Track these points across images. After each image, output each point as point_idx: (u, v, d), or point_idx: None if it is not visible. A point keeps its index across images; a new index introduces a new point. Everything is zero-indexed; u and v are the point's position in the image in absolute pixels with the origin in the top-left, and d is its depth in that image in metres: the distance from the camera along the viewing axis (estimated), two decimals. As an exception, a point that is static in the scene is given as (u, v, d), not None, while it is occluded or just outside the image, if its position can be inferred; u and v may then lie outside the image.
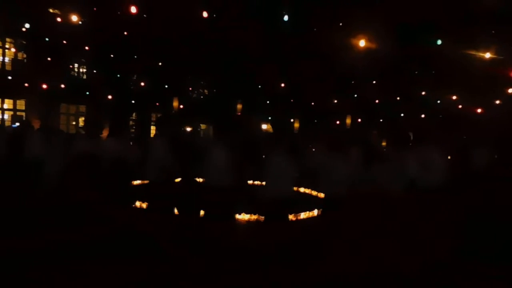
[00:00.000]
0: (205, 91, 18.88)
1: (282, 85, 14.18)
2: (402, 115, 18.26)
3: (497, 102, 15.12)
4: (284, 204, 6.85)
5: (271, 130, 19.20)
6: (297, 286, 3.66)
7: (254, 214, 6.11)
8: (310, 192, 9.14)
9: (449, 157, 12.85)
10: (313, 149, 13.32)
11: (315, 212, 6.76)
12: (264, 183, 9.69)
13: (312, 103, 16.79)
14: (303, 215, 6.50)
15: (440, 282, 3.88)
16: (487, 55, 12.05)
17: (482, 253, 4.61)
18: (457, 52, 12.50)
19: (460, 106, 15.84)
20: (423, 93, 15.90)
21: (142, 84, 16.57)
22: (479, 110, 15.55)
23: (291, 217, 6.32)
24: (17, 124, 16.39)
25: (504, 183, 9.14)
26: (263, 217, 6.09)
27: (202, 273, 3.88)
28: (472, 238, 5.19)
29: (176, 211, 6.29)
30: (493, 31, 13.29)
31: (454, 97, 15.58)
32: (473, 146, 12.87)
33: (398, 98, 16.54)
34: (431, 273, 4.07)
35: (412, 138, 16.72)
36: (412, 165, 10.57)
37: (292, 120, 18.36)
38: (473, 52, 12.40)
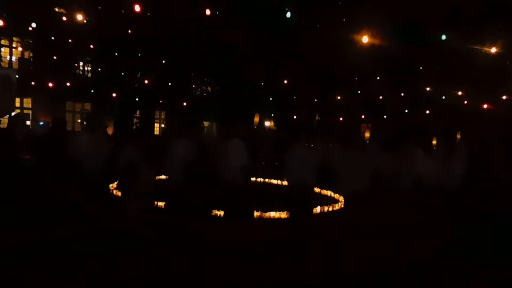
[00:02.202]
0: (208, 88, 18.89)
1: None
2: (406, 111, 18.10)
3: (504, 97, 14.89)
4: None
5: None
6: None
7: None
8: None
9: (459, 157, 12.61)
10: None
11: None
12: None
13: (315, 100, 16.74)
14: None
15: (426, 280, 3.87)
16: (493, 50, 11.85)
17: (470, 252, 4.59)
18: (464, 48, 12.32)
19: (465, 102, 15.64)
20: (428, 89, 15.71)
21: (146, 82, 16.68)
22: (485, 106, 15.33)
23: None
24: (42, 123, 16.28)
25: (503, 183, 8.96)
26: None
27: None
28: (461, 237, 5.17)
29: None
30: (499, 26, 13.08)
31: (460, 93, 15.38)
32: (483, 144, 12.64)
33: (402, 94, 16.38)
34: (417, 272, 4.07)
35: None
36: (421, 163, 10.37)
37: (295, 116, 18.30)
38: (479, 48, 12.21)
